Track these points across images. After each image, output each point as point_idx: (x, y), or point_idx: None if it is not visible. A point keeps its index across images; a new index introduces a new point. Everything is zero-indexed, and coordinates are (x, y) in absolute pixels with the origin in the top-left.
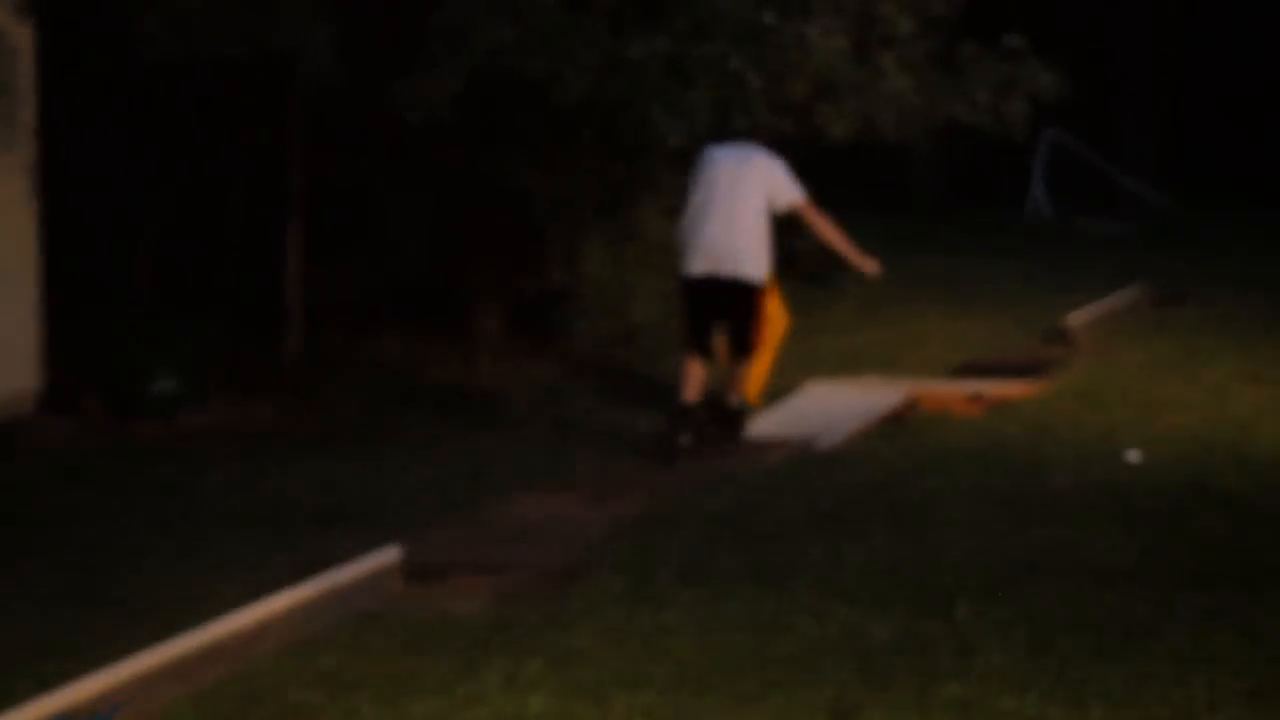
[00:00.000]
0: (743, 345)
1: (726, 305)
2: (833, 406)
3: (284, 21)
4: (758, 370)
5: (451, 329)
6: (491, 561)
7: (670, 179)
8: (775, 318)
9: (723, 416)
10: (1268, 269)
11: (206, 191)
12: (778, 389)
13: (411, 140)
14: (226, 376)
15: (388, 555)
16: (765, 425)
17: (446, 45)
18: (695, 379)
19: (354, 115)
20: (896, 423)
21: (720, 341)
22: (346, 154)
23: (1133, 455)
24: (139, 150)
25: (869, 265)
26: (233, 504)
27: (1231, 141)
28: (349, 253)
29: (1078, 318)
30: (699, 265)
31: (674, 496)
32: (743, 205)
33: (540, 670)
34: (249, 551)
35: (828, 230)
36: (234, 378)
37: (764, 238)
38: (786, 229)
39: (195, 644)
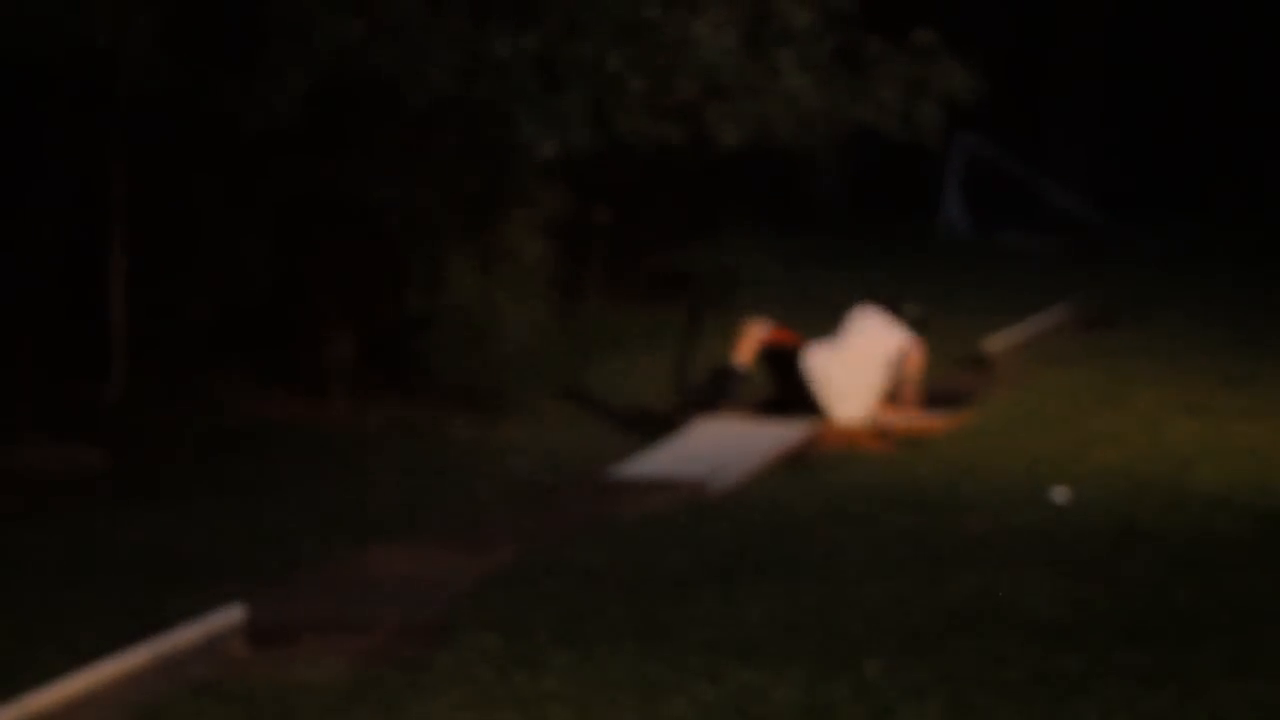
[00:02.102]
0: None
1: None
2: (725, 444)
3: (102, 15)
4: None
5: (298, 361)
6: (347, 620)
7: (543, 192)
8: None
9: None
10: (1205, 287)
11: (14, 210)
12: (665, 425)
13: (250, 150)
14: (41, 416)
15: (229, 615)
16: (651, 466)
17: (288, 42)
18: None
19: (184, 122)
20: (797, 461)
21: None
22: (176, 166)
23: (1059, 495)
24: None
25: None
26: (51, 559)
27: (1166, 152)
28: (181, 277)
29: (998, 342)
30: None
31: (551, 545)
32: None
33: None
34: (71, 613)
35: None
36: (50, 417)
37: None
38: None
39: (7, 719)
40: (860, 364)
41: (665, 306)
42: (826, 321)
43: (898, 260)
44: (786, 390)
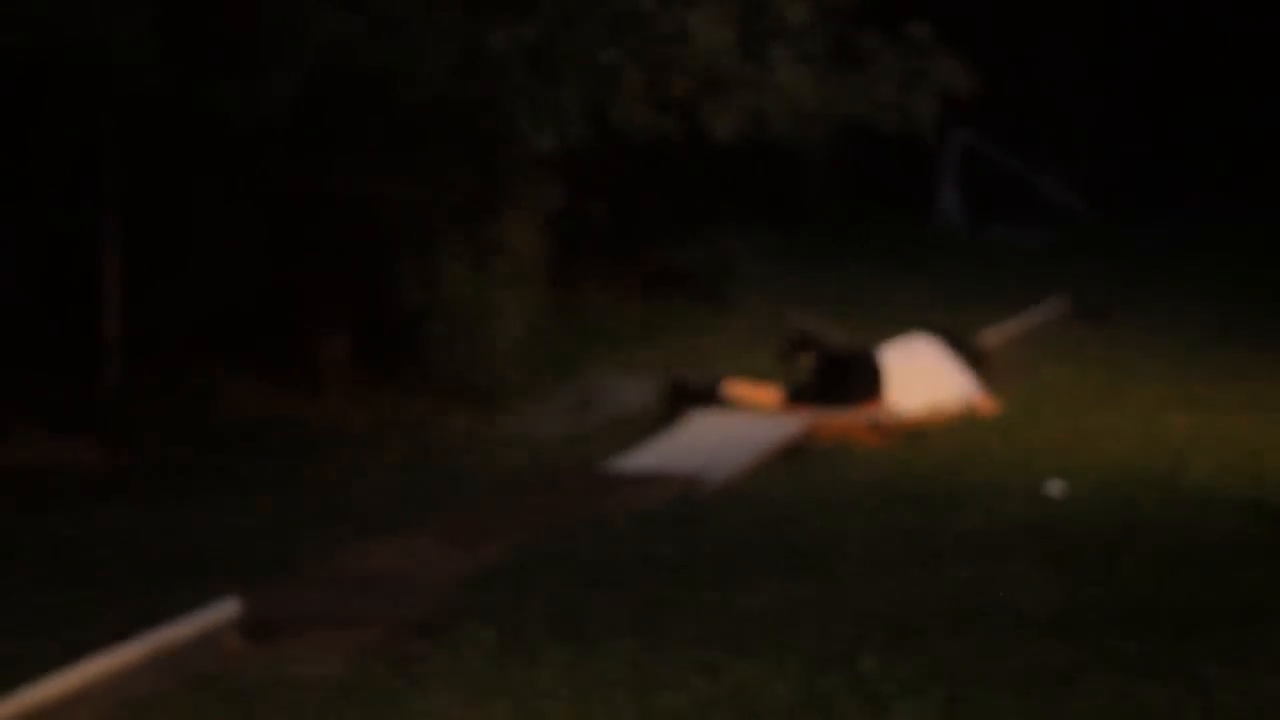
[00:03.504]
0: None
1: None
2: (720, 438)
3: (94, 9)
4: None
5: (294, 357)
6: (342, 615)
7: (538, 187)
8: None
9: None
10: (1200, 280)
11: (7, 206)
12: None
13: (244, 146)
14: (36, 412)
15: (225, 609)
16: (646, 459)
17: (282, 38)
18: None
19: (178, 119)
20: (792, 455)
21: None
22: (170, 162)
23: (1054, 488)
24: None
25: None
26: (46, 554)
27: (1158, 145)
28: (176, 274)
29: (993, 336)
30: None
31: (547, 539)
32: None
33: None
34: (67, 608)
35: None
36: (45, 413)
37: None
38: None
39: (4, 714)
40: (927, 369)
41: (661, 300)
42: (826, 312)
43: (894, 255)
44: (833, 386)
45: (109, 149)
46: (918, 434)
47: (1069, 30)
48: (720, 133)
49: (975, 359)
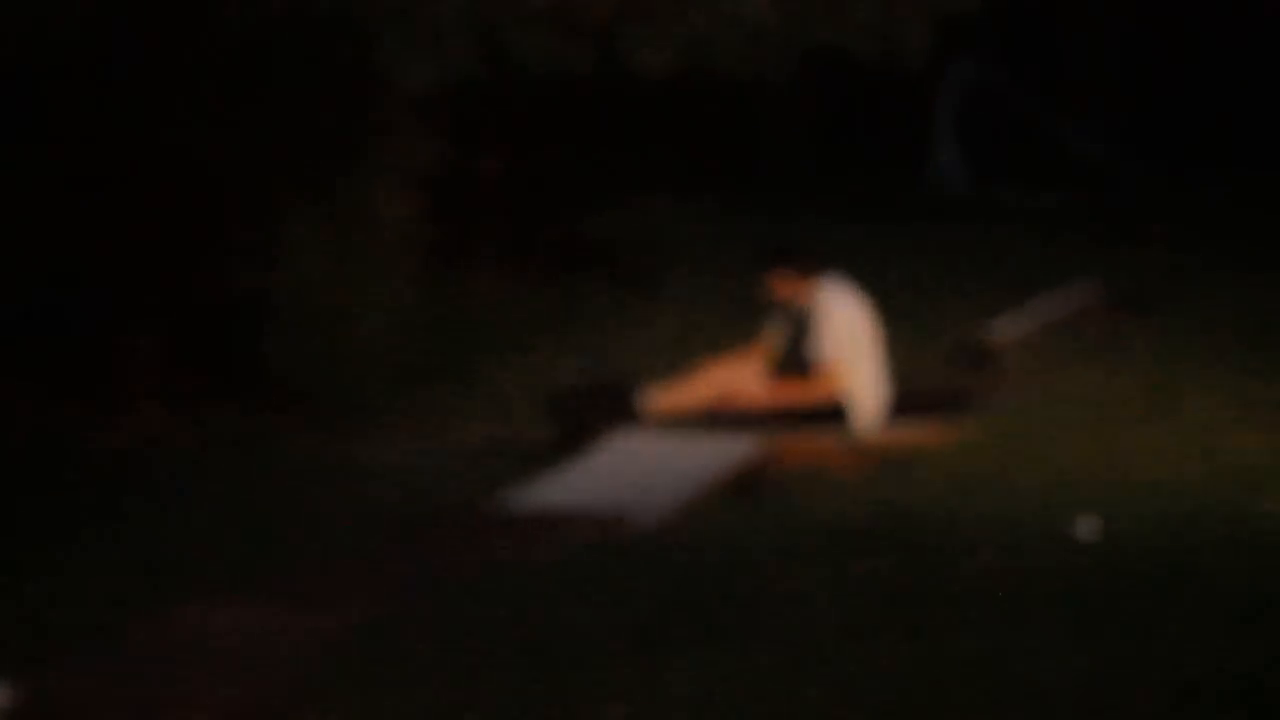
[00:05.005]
0: None
1: None
2: (653, 465)
3: None
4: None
5: (89, 357)
6: (148, 701)
7: (413, 135)
8: None
9: None
10: (1265, 254)
11: None
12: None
13: (17, 85)
14: None
15: None
16: (553, 493)
17: None
18: None
19: None
20: (746, 486)
21: None
22: None
23: (1085, 527)
24: None
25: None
26: None
27: (1208, 83)
28: None
29: (1003, 329)
30: None
31: (421, 599)
32: None
33: None
34: None
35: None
36: None
37: None
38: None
39: None
40: (876, 363)
41: (571, 284)
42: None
43: (873, 222)
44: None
45: None
46: (904, 458)
47: None
48: (648, 65)
49: (982, 358)
